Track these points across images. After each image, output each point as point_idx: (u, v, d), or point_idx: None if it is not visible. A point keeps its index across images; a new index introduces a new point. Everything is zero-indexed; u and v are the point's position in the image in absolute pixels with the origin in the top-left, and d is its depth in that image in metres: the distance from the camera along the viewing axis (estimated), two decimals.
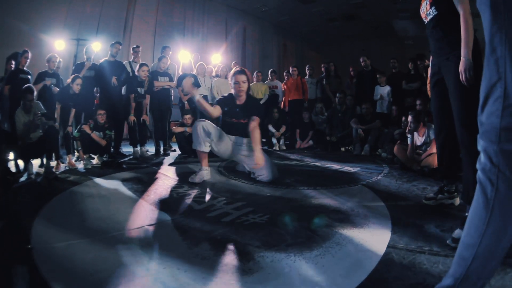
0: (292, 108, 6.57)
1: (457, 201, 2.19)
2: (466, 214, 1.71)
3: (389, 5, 8.47)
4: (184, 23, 8.68)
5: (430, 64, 2.18)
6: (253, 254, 1.54)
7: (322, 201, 2.46)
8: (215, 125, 3.24)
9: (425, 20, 2.02)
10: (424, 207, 2.27)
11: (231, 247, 1.64)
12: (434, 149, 3.26)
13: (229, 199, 2.49)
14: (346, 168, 3.87)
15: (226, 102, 3.34)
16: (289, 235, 1.77)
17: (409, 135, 3.48)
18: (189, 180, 3.06)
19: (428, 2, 1.93)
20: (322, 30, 10.98)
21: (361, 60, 6.11)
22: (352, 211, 2.19)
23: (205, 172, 3.16)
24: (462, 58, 1.70)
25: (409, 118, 3.38)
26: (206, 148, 3.16)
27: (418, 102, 4.35)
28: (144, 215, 2.14)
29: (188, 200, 2.50)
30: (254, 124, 3.14)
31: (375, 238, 1.73)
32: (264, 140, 6.40)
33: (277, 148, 5.90)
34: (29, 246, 1.61)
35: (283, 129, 6.04)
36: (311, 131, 6.09)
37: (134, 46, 5.71)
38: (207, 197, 2.59)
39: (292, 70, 6.61)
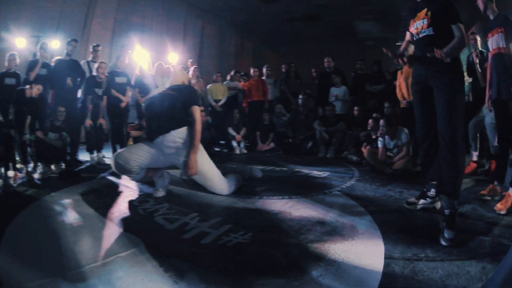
0: (253, 110, 6.73)
1: (439, 204, 2.42)
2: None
3: (352, 6, 8.98)
4: (143, 21, 8.91)
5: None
6: (252, 283, 1.51)
7: (303, 212, 2.52)
8: (136, 148, 3.00)
9: (416, 36, 2.35)
10: (407, 212, 2.47)
11: (223, 277, 1.59)
12: (405, 152, 3.55)
13: (202, 214, 2.46)
14: (316, 172, 4.04)
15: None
16: (282, 255, 1.79)
17: (380, 138, 3.72)
18: (153, 195, 2.99)
19: (426, 22, 2.25)
20: (281, 31, 11.35)
21: (325, 60, 6.41)
22: (337, 222, 2.28)
23: (161, 182, 3.09)
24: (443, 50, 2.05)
25: (381, 122, 3.63)
26: (135, 177, 2.99)
27: (386, 105, 4.67)
28: (113, 241, 2.05)
29: (158, 218, 2.43)
30: (197, 115, 2.91)
31: (369, 250, 1.83)
32: (223, 142, 6.61)
33: (238, 152, 5.99)
34: None
35: (243, 131, 6.15)
36: (272, 133, 6.26)
37: (94, 44, 5.70)
38: (177, 213, 2.53)
39: (253, 71, 6.79)
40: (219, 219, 2.37)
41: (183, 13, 9.97)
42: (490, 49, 2.71)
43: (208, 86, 6.88)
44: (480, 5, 2.65)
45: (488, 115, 3.20)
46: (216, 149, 6.43)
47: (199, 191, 3.13)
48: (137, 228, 2.24)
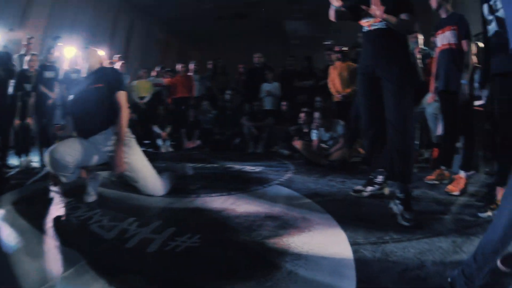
0: (178, 106, 6.53)
1: (387, 190, 2.48)
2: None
3: (284, 5, 9.07)
4: (75, 17, 8.46)
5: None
6: None
7: (247, 207, 2.37)
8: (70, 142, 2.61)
9: (367, 28, 2.30)
10: (356, 200, 2.48)
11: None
12: (342, 144, 3.63)
13: (140, 219, 2.20)
14: (249, 167, 3.94)
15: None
16: (240, 256, 1.61)
17: (314, 131, 3.76)
18: (84, 201, 2.66)
19: None
20: (209, 28, 11.06)
21: (255, 56, 6.40)
22: (287, 215, 2.17)
23: (93, 185, 2.73)
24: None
25: (316, 114, 3.66)
26: (70, 176, 2.60)
27: (318, 99, 4.76)
28: (52, 258, 1.76)
29: (93, 226, 2.13)
30: (122, 101, 2.58)
31: (331, 239, 1.74)
32: (148, 142, 6.33)
33: (164, 150, 5.82)
34: None
35: (169, 129, 5.98)
36: (197, 130, 6.11)
37: (28, 36, 5.42)
38: (113, 219, 2.22)
39: (181, 67, 6.61)
40: (160, 222, 2.12)
41: (114, 7, 9.69)
42: (439, 45, 2.82)
43: (133, 83, 6.61)
44: (433, 3, 2.73)
45: (430, 106, 3.41)
46: (141, 148, 6.01)
47: (130, 193, 2.82)
48: (74, 240, 1.95)
